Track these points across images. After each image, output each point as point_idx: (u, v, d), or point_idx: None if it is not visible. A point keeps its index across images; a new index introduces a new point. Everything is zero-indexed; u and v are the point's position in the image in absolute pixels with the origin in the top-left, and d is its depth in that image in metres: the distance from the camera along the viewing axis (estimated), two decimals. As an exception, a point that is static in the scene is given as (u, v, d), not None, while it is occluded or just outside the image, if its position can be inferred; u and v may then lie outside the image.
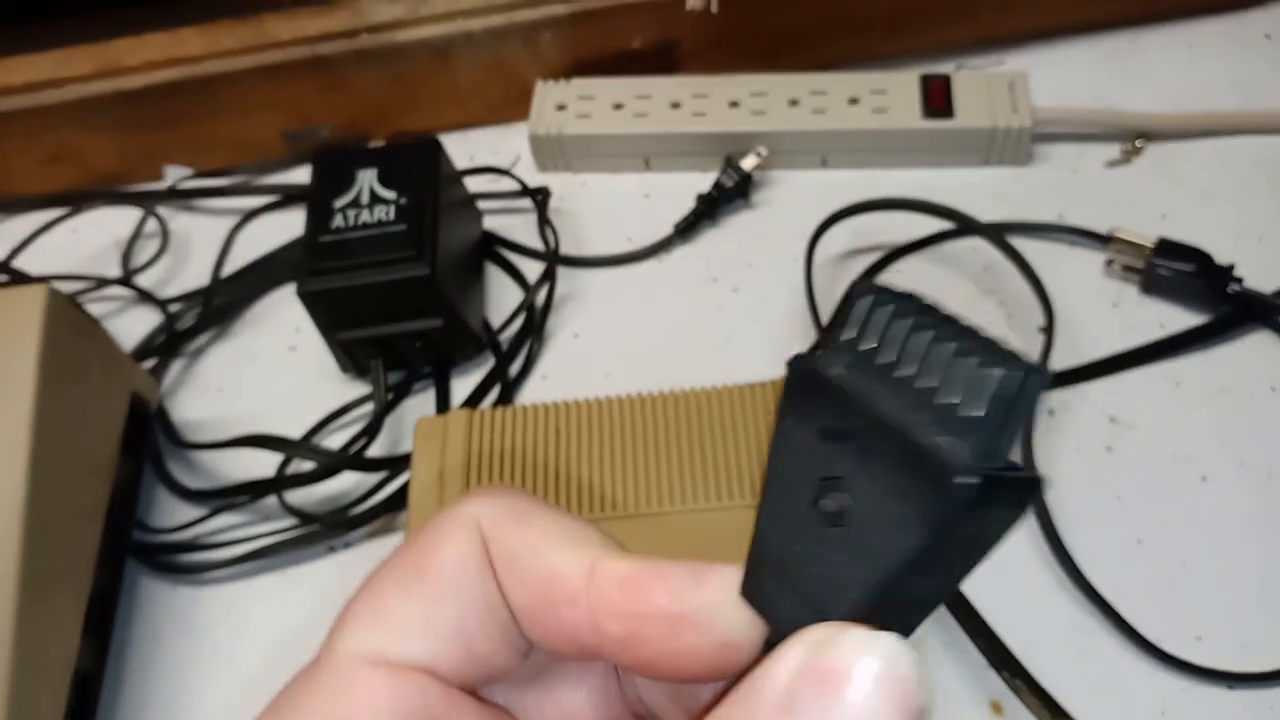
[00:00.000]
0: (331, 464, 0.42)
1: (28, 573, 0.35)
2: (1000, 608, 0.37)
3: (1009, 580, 0.39)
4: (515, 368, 0.48)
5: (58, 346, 0.39)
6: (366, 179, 0.46)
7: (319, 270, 0.44)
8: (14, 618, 0.34)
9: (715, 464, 0.37)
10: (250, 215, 0.53)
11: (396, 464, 0.43)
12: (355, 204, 0.45)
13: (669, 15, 0.53)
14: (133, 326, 0.51)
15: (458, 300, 0.46)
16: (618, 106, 0.53)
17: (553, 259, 0.49)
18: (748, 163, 0.51)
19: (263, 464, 0.46)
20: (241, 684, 0.41)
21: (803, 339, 0.46)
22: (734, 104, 0.52)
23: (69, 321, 0.40)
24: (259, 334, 0.51)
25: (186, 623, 0.43)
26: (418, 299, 0.44)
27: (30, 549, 0.36)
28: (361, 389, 0.48)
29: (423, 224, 0.44)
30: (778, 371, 0.42)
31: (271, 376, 0.49)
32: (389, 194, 0.45)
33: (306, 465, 0.45)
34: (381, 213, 0.44)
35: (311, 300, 0.44)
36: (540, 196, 0.51)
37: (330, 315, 0.45)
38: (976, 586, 0.37)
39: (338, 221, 0.45)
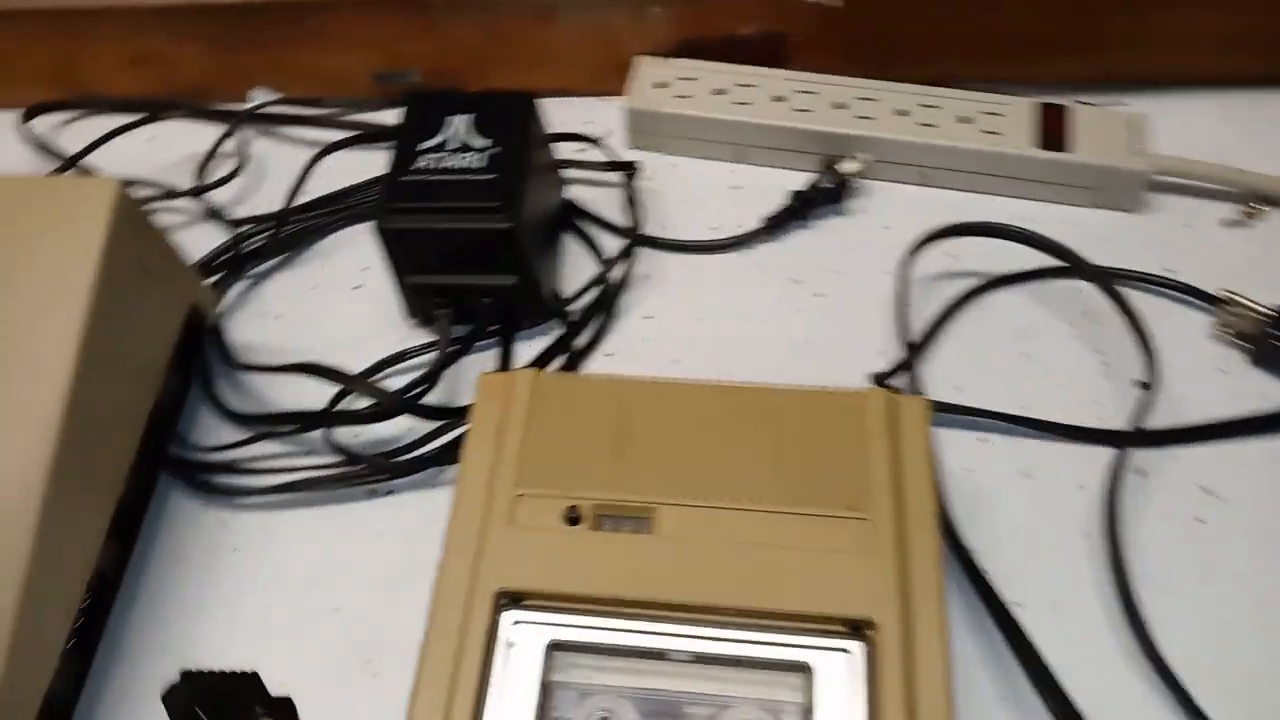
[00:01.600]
0: (389, 405, 0.41)
1: (60, 466, 0.34)
2: (1070, 667, 0.35)
3: (1081, 639, 0.37)
4: (582, 340, 0.46)
5: (121, 243, 0.38)
6: (458, 124, 0.44)
7: (401, 208, 0.42)
8: (40, 509, 0.33)
9: (778, 466, 0.35)
10: (331, 148, 0.52)
11: (454, 416, 0.42)
12: (444, 148, 0.44)
13: (785, 6, 0.51)
14: (198, 242, 0.50)
15: (535, 261, 0.44)
16: (719, 92, 0.51)
17: (635, 236, 0.48)
18: (847, 167, 0.49)
19: (312, 396, 0.45)
20: (257, 613, 0.40)
21: (885, 354, 0.45)
22: (840, 106, 0.50)
23: (135, 221, 0.39)
24: (325, 268, 0.50)
25: (213, 544, 0.41)
26: (496, 253, 0.43)
27: (66, 443, 0.34)
28: (423, 338, 0.47)
29: (511, 177, 0.43)
30: (856, 381, 0.40)
31: (333, 312, 0.48)
32: (480, 141, 0.44)
33: (358, 405, 0.43)
34: (471, 159, 0.43)
35: (389, 238, 0.43)
36: (630, 171, 0.49)
37: (405, 256, 0.43)
38: (1048, 641, 0.35)
39: (424, 163, 0.43)
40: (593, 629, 0.33)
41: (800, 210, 0.49)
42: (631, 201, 0.49)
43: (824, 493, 0.34)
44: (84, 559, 0.36)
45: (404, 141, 0.44)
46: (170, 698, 0.32)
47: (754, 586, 0.33)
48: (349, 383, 0.41)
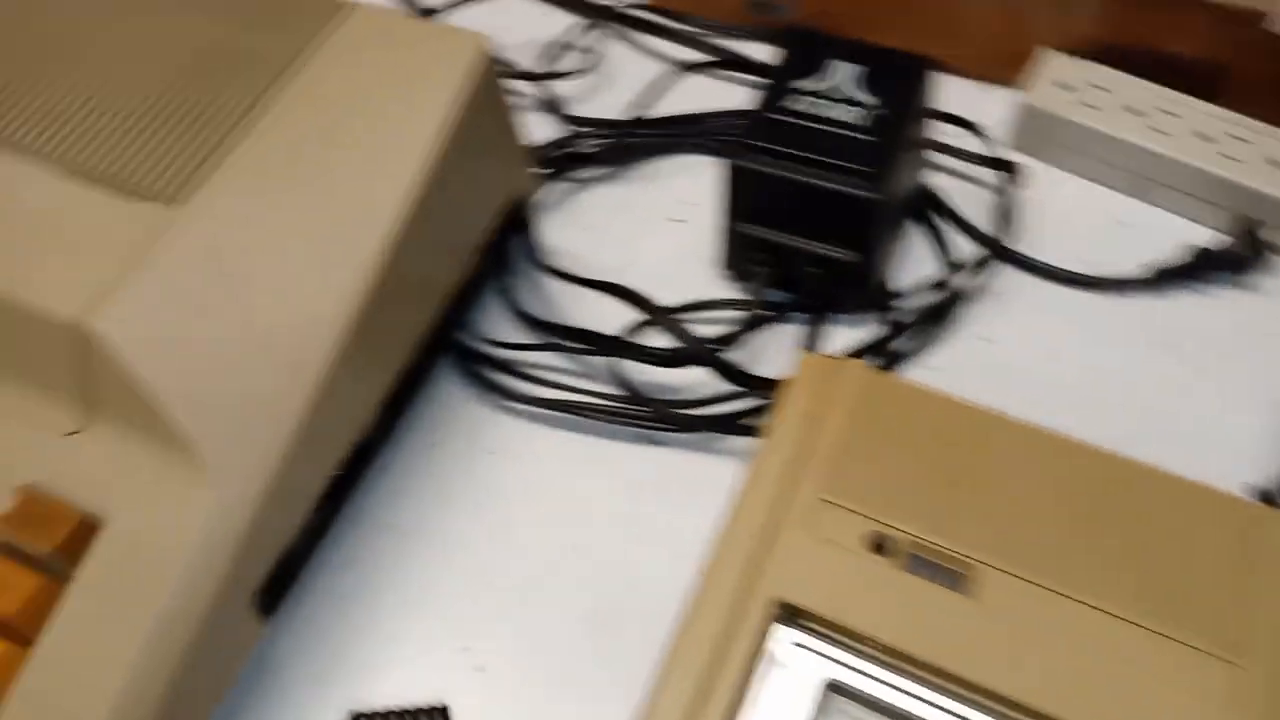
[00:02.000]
0: (691, 352, 0.37)
1: (363, 319, 0.32)
2: None
3: None
4: (904, 345, 0.41)
5: (473, 107, 0.35)
6: (843, 73, 0.39)
7: (761, 147, 0.38)
8: (332, 356, 0.31)
9: (1139, 563, 0.29)
10: (693, 68, 0.48)
11: (753, 384, 0.38)
12: (821, 94, 0.39)
13: (1236, 31, 0.44)
14: (529, 130, 0.48)
15: (882, 243, 0.39)
16: (1134, 111, 0.44)
17: (997, 246, 0.42)
18: (1270, 236, 0.41)
19: (606, 319, 0.41)
20: (496, 522, 0.37)
21: (1258, 464, 0.37)
22: (1276, 164, 0.42)
23: (490, 88, 0.36)
24: (649, 192, 0.46)
25: (471, 439, 0.39)
26: (848, 223, 0.38)
27: (373, 296, 0.32)
28: (731, 291, 0.43)
29: (890, 144, 0.38)
30: (1219, 482, 0.32)
31: (646, 238, 0.45)
32: (867, 98, 0.39)
33: (651, 342, 0.40)
34: (852, 114, 0.38)
35: (737, 174, 0.38)
36: (1010, 173, 0.43)
37: (746, 199, 0.39)
38: None
39: (796, 105, 0.39)
40: (880, 682, 0.28)
41: (1197, 270, 0.42)
42: (1003, 207, 0.42)
43: (1192, 615, 0.28)
44: (356, 419, 0.34)
45: (779, 77, 0.40)
46: None
47: (1079, 701, 0.27)
48: (657, 315, 0.38)
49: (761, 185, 0.38)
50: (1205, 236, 0.43)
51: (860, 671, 0.28)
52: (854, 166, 0.37)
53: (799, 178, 0.37)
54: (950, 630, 0.28)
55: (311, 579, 0.36)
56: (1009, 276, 0.43)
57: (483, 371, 0.40)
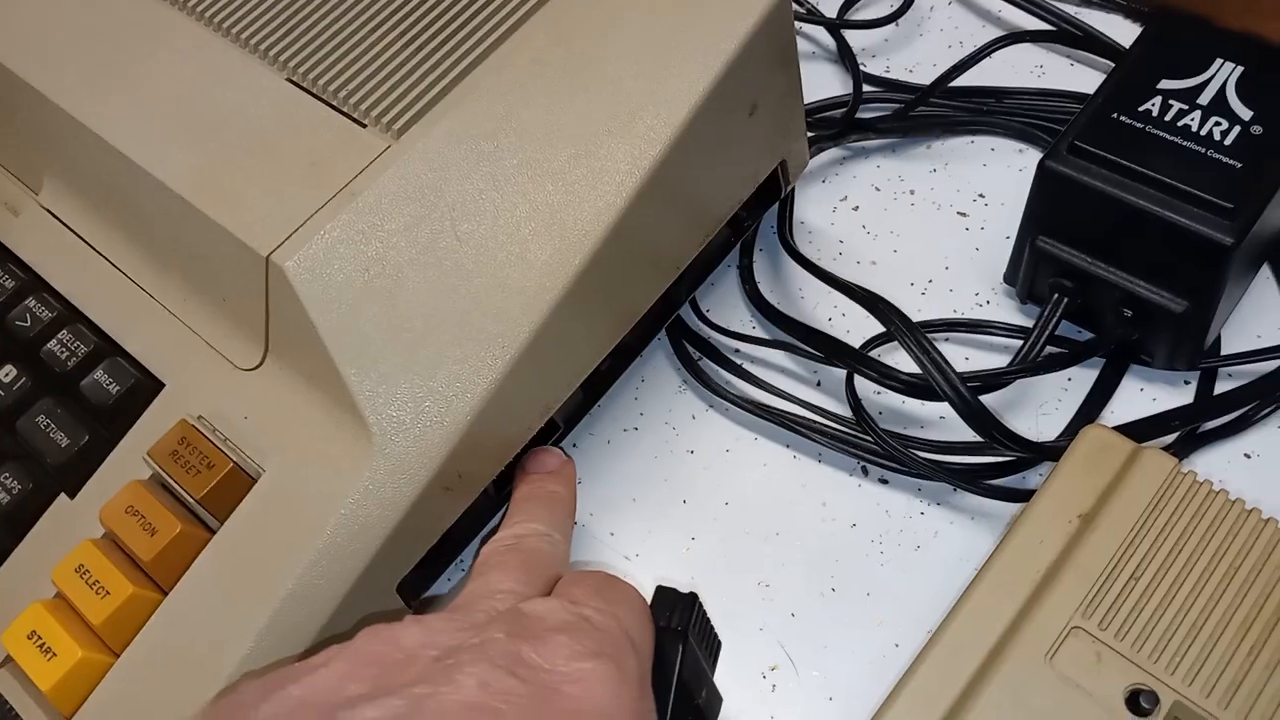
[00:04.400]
0: (947, 390, 0.30)
1: (578, 293, 0.28)
2: None
3: None
4: (1216, 422, 0.33)
5: (756, 56, 0.30)
6: (1223, 75, 0.31)
7: (1091, 151, 0.31)
8: (537, 337, 0.27)
9: None
10: (1021, 37, 0.40)
11: (1023, 447, 0.31)
12: (1189, 98, 0.31)
13: None
14: (810, 83, 0.41)
15: (1224, 295, 0.31)
16: None
17: (1378, 321, 0.32)
18: None
19: (851, 321, 0.36)
20: (680, 528, 0.33)
21: None
22: None
23: (781, 36, 0.31)
24: (938, 176, 0.39)
25: (672, 430, 0.35)
26: (1186, 265, 0.30)
27: (595, 269, 0.28)
28: (1010, 315, 0.36)
29: (1262, 176, 0.29)
30: None
31: (920, 231, 0.38)
32: (1242, 110, 0.30)
33: (898, 360, 0.34)
34: (1217, 128, 0.30)
35: (1050, 179, 0.31)
36: None
37: (1055, 210, 0.32)
38: None
39: (1150, 107, 0.31)
40: None
41: None
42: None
43: None
44: (549, 404, 0.30)
45: (1140, 69, 0.32)
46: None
47: None
48: (906, 336, 0.31)
49: (1083, 199, 0.31)
50: None
51: None
52: (1211, 199, 0.29)
53: (1136, 200, 0.30)
54: None
55: (470, 560, 0.33)
56: (1383, 362, 0.33)
57: (700, 361, 0.36)
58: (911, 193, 0.39)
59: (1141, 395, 0.34)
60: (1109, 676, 0.23)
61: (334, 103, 0.29)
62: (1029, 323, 0.35)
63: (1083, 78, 0.41)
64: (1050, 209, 0.32)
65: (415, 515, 0.27)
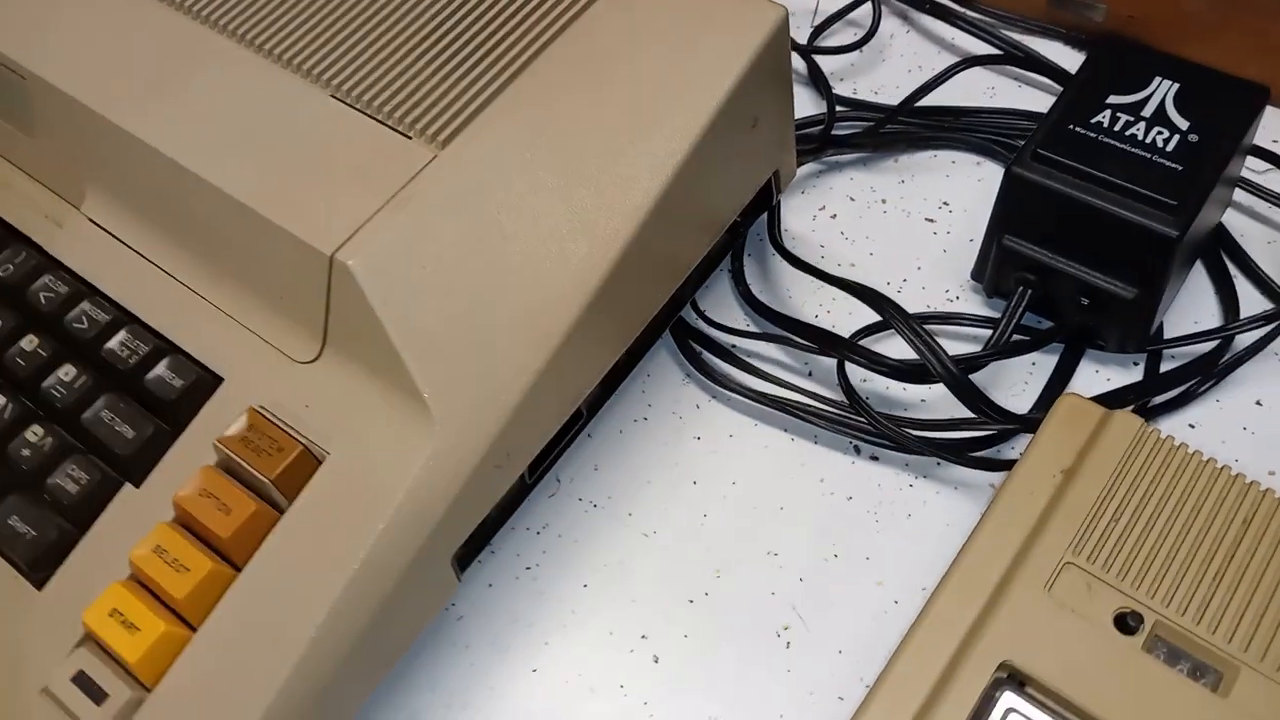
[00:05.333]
0: (940, 371, 0.34)
1: (609, 288, 0.31)
2: None
3: None
4: (1162, 396, 0.37)
5: (758, 79, 0.33)
6: (1162, 91, 0.35)
7: (1052, 159, 0.35)
8: (574, 326, 0.30)
9: None
10: (979, 60, 0.45)
11: (1007, 418, 0.34)
12: (1134, 111, 0.35)
13: None
14: (786, 102, 0.45)
15: (1169, 283, 0.35)
16: None
17: (1296, 304, 0.37)
18: None
19: (837, 317, 0.39)
20: (694, 509, 0.36)
21: None
22: None
23: (779, 58, 0.34)
24: (905, 186, 0.43)
25: (679, 421, 0.38)
26: (1137, 257, 0.34)
27: (623, 265, 0.31)
28: (978, 308, 0.40)
29: (1199, 177, 0.34)
30: None
31: (892, 236, 0.42)
32: (1180, 121, 0.35)
33: (882, 349, 0.37)
34: (1159, 137, 0.34)
35: (1016, 184, 0.35)
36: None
37: (1019, 212, 0.36)
38: None
39: (1101, 119, 0.35)
40: (1101, 773, 0.25)
41: None
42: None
43: None
44: (580, 391, 0.33)
45: (1090, 86, 0.36)
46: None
47: None
48: (904, 322, 0.35)
49: (1046, 201, 0.35)
50: None
51: (1085, 759, 0.25)
52: (1157, 197, 0.33)
53: (1092, 200, 0.34)
54: (1197, 734, 0.25)
55: (500, 543, 0.35)
56: (1300, 339, 0.38)
57: (702, 354, 0.39)
58: (883, 202, 0.43)
59: (1097, 376, 0.38)
60: (1099, 602, 0.27)
61: (379, 117, 0.32)
62: (995, 314, 0.39)
63: (1029, 97, 0.45)
64: (1016, 210, 0.36)
65: (471, 489, 0.29)
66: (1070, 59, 0.46)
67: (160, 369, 0.31)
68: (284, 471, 0.29)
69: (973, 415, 0.35)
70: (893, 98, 0.45)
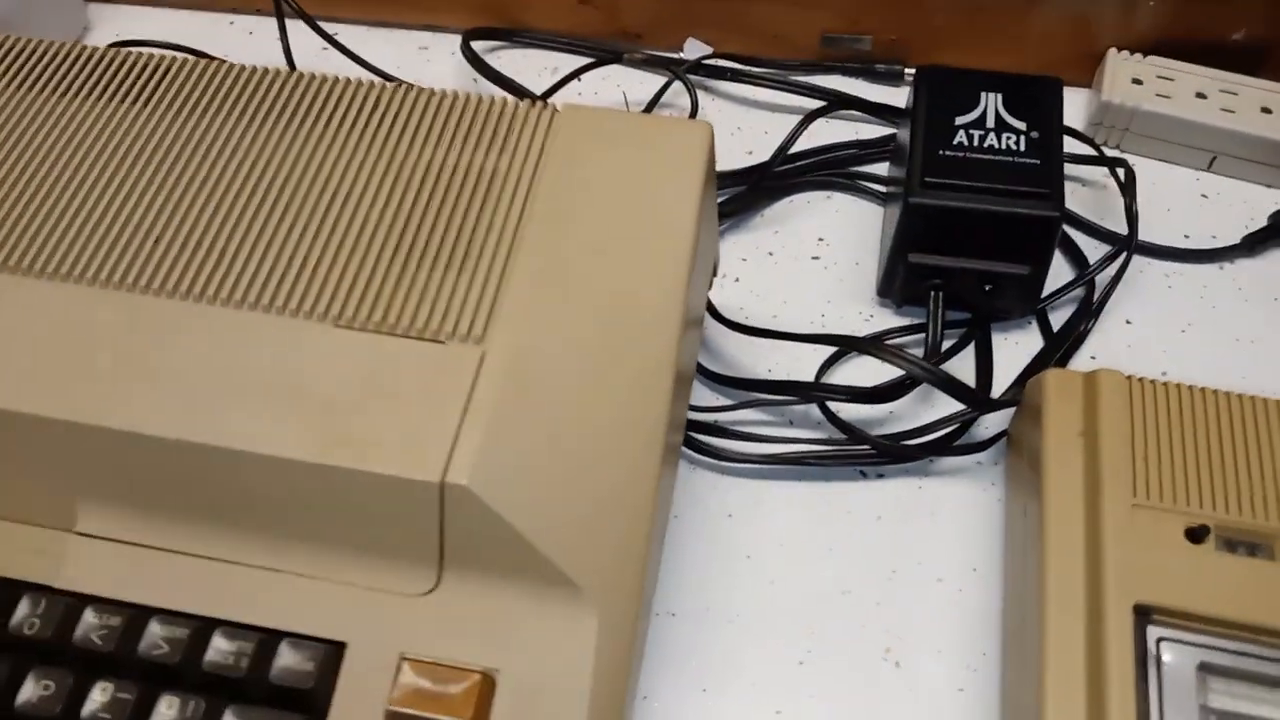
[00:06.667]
0: (924, 374, 0.38)
1: (671, 414, 0.33)
2: None
3: None
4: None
5: (706, 194, 0.36)
6: (993, 102, 0.42)
7: (935, 184, 0.40)
8: (660, 455, 0.32)
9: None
10: (818, 114, 0.49)
11: (989, 402, 0.40)
12: (980, 125, 0.42)
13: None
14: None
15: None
16: (1200, 95, 0.49)
17: (1131, 242, 0.46)
18: (1349, 190, 0.46)
19: (786, 365, 0.43)
20: (758, 580, 0.38)
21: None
22: (1332, 125, 0.48)
23: (711, 169, 0.37)
24: (781, 235, 0.48)
25: (707, 506, 0.40)
26: (1027, 241, 0.41)
27: (674, 389, 0.33)
28: (895, 319, 0.45)
29: (1053, 164, 0.41)
30: None
31: (793, 281, 0.46)
32: (1017, 123, 0.42)
33: (841, 379, 0.42)
34: (1009, 141, 0.41)
35: (916, 212, 0.41)
36: (1124, 171, 0.47)
37: (923, 233, 0.42)
38: None
39: (960, 139, 0.41)
40: (1241, 655, 0.31)
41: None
42: (1127, 202, 0.46)
43: None
44: (666, 511, 0.34)
45: (935, 114, 0.42)
46: None
47: None
48: (868, 347, 0.39)
49: (945, 218, 0.41)
50: (1270, 197, 0.48)
51: (1223, 650, 0.31)
52: (1032, 190, 0.40)
53: (985, 207, 0.40)
54: (1272, 593, 0.31)
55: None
56: (1132, 262, 0.47)
57: (698, 439, 0.41)
58: (770, 254, 0.47)
59: (1007, 341, 0.45)
60: (1169, 528, 0.32)
61: (398, 332, 0.32)
62: (915, 321, 0.44)
63: (838, 130, 0.51)
64: (919, 232, 0.42)
65: (637, 644, 0.30)
66: (880, 94, 0.52)
67: (283, 659, 0.29)
68: (477, 705, 0.28)
69: (944, 415, 0.41)
70: (730, 163, 0.49)
